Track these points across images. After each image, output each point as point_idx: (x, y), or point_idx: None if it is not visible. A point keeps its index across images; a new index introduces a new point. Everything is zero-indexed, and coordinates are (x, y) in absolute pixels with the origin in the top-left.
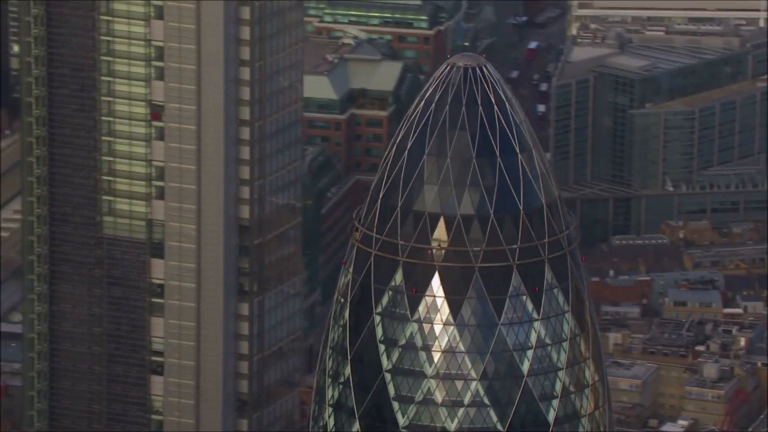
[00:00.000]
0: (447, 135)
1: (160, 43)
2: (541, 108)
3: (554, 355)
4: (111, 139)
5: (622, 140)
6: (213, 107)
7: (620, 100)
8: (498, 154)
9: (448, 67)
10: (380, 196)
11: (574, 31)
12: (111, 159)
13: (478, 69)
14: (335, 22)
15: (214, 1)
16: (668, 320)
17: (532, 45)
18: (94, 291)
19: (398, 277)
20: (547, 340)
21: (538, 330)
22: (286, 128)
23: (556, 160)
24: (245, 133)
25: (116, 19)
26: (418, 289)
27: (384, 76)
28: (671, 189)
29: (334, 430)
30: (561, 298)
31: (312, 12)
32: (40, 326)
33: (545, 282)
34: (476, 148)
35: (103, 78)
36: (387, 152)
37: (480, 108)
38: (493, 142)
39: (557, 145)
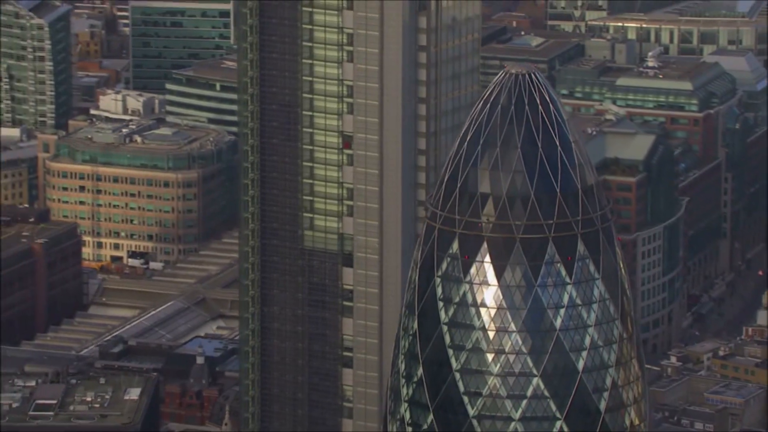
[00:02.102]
0: (498, 128)
1: (350, 82)
2: None
3: (584, 314)
4: (311, 164)
5: None
6: (393, 137)
7: None
8: (540, 145)
9: (504, 74)
10: (445, 179)
11: None
12: (311, 181)
13: (527, 75)
14: (614, 104)
15: (396, 47)
16: None
17: None
18: (297, 295)
19: (455, 246)
20: (578, 301)
21: (570, 292)
22: None
23: None
24: (422, 160)
25: (316, 62)
26: (469, 255)
27: (637, 147)
28: None
29: (405, 374)
30: (592, 267)
31: (595, 97)
32: (253, 324)
33: (578, 253)
34: (521, 140)
35: (305, 112)
36: (453, 143)
37: (527, 107)
38: (536, 135)
39: None
